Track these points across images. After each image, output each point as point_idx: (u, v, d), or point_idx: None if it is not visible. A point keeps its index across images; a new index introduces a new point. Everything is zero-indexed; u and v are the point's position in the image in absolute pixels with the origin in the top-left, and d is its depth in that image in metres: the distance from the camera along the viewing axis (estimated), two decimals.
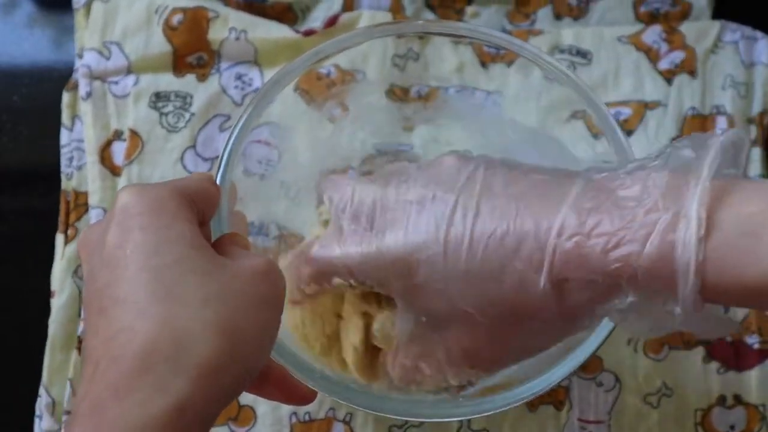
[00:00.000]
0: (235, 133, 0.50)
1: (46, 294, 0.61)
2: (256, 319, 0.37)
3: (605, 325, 0.48)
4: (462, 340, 0.45)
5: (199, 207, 0.41)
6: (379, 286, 0.45)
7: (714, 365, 0.60)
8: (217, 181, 0.48)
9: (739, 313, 0.60)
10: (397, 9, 0.67)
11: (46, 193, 0.64)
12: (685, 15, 0.68)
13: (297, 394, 0.45)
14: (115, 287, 0.36)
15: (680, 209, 0.38)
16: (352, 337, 0.50)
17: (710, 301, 0.39)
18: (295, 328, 0.52)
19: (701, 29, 0.66)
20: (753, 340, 0.60)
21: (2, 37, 0.67)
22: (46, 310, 0.60)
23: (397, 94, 0.63)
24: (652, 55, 0.65)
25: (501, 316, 0.43)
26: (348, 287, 0.47)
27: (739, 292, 0.38)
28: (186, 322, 0.35)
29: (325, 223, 0.50)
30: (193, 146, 0.63)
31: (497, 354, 0.45)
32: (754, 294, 0.37)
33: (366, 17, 0.65)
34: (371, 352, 0.51)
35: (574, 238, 0.40)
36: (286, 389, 0.45)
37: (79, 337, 0.59)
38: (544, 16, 0.68)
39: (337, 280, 0.46)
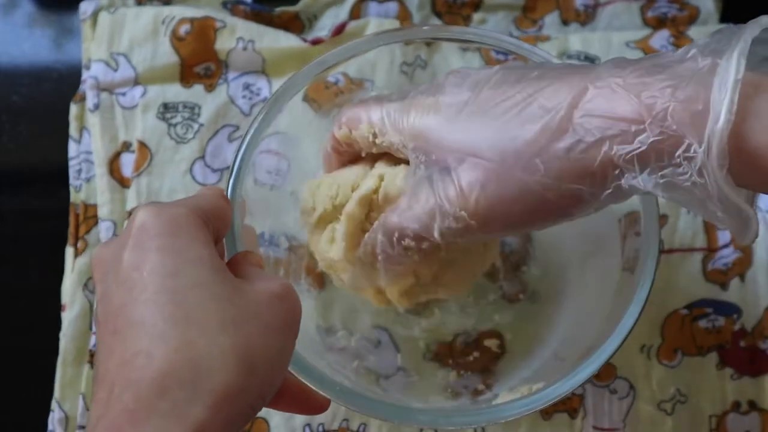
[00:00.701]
0: (243, 146, 0.50)
1: (47, 294, 0.61)
2: (272, 343, 0.37)
3: (619, 332, 0.48)
4: (468, 176, 0.43)
5: (214, 225, 0.41)
6: (398, 144, 0.46)
7: (728, 371, 0.60)
8: (228, 194, 0.48)
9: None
10: (404, 17, 0.67)
11: (46, 193, 0.64)
12: (692, 19, 0.67)
13: (312, 405, 0.45)
14: (131, 309, 0.36)
15: (720, 57, 0.37)
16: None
17: (744, 181, 0.38)
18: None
19: (709, 33, 0.66)
20: (767, 345, 0.60)
21: (2, 37, 0.67)
22: (47, 310, 0.60)
23: None
24: None
25: (513, 159, 0.41)
26: (370, 139, 0.48)
27: None
28: (203, 347, 0.35)
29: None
30: (202, 157, 0.63)
31: (499, 199, 0.42)
32: None
33: (373, 25, 0.65)
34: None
35: (609, 79, 0.39)
36: (301, 400, 0.45)
37: (90, 350, 0.59)
38: (551, 21, 0.68)
39: (362, 126, 0.48)
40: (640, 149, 0.38)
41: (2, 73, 0.67)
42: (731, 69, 0.37)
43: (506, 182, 0.42)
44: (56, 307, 0.60)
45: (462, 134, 0.43)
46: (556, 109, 0.40)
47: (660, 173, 0.39)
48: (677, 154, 0.38)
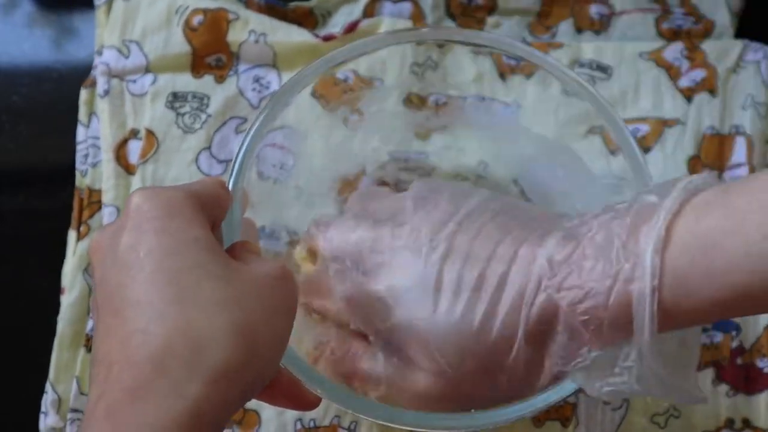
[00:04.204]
0: (248, 138, 0.50)
1: (47, 294, 0.61)
2: (271, 324, 0.38)
3: None
4: (422, 384, 0.46)
5: (211, 212, 0.41)
6: (362, 325, 0.47)
7: (723, 388, 0.59)
8: (230, 186, 0.48)
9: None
10: (417, 17, 0.67)
11: (46, 193, 0.64)
12: (707, 33, 0.67)
13: (303, 401, 0.45)
14: (129, 289, 0.36)
15: (637, 258, 0.39)
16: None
17: (672, 326, 0.40)
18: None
19: (723, 48, 0.66)
20: (764, 364, 0.60)
21: (2, 37, 0.67)
22: (47, 311, 0.60)
23: (415, 102, 0.63)
24: (672, 73, 0.65)
25: (473, 371, 0.44)
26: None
27: (704, 309, 0.39)
28: (202, 325, 0.35)
29: (305, 259, 0.52)
30: (209, 148, 0.63)
31: (454, 403, 0.46)
32: (716, 308, 0.39)
33: (386, 24, 0.65)
34: None
35: (546, 291, 0.42)
36: (293, 395, 0.45)
37: (87, 334, 0.59)
38: (565, 29, 0.68)
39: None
40: (583, 364, 0.42)
41: (2, 73, 0.67)
42: (647, 276, 0.39)
43: (472, 391, 0.46)
44: (56, 307, 0.60)
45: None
46: (509, 327, 0.43)
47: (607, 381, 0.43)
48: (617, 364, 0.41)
